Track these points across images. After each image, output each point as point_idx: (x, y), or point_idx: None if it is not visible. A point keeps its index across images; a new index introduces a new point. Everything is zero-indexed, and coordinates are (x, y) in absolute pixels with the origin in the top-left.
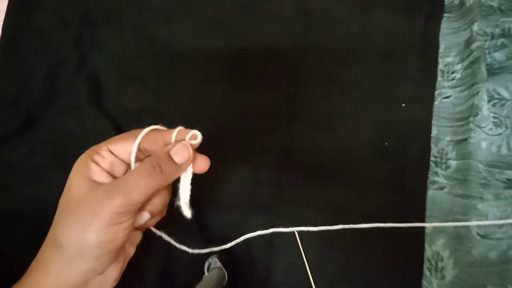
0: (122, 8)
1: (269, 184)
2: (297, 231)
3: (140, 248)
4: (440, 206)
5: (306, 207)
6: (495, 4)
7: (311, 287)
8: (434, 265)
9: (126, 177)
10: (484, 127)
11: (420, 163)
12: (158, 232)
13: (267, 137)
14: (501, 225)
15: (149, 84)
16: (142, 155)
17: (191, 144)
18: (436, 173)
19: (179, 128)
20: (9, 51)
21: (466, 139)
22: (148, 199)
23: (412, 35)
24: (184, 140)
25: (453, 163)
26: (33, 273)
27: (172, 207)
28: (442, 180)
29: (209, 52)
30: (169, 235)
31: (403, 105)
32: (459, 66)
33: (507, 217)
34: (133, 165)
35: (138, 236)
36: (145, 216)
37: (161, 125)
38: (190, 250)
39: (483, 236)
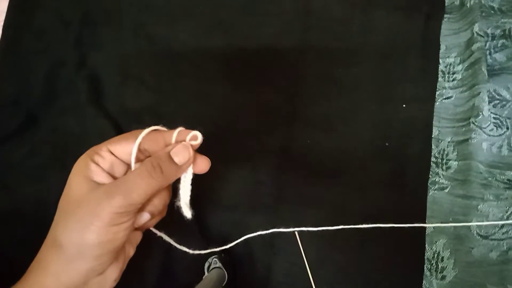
0: (122, 8)
1: (269, 184)
2: (297, 231)
3: (140, 248)
4: (441, 206)
5: (306, 207)
6: (495, 5)
7: (311, 287)
8: (434, 265)
9: (126, 178)
10: (485, 127)
11: (421, 164)
12: (158, 233)
13: (267, 137)
14: (502, 226)
15: (149, 84)
16: (143, 156)
17: (191, 145)
18: (437, 174)
19: (180, 128)
20: (9, 51)
21: (467, 140)
22: (148, 200)
23: (412, 35)
24: (184, 140)
25: (454, 164)
26: (33, 273)
27: (172, 208)
28: (443, 180)
29: (209, 52)
30: (170, 236)
31: (404, 105)
32: (460, 67)
33: (508, 218)
34: (133, 165)
35: (138, 237)
36: (145, 217)
37: (162, 126)
38: (190, 251)
39: (484, 237)
